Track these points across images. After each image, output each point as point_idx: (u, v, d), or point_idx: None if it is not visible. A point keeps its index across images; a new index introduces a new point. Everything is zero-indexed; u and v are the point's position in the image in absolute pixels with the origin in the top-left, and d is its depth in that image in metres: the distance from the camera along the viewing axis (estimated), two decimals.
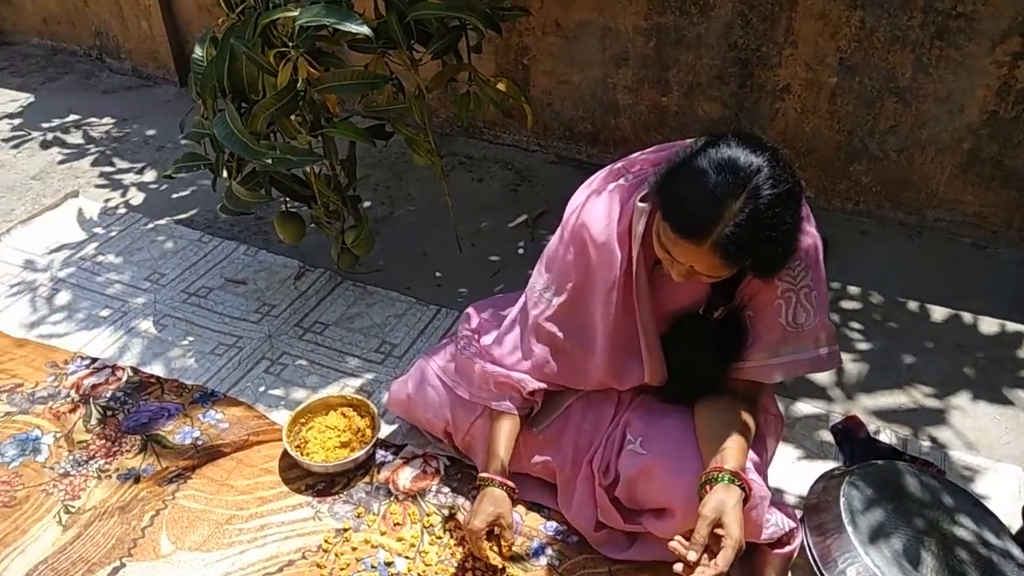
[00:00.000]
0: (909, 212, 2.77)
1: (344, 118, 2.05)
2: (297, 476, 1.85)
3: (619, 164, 1.58)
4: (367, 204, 2.86)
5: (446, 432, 1.84)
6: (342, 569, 1.64)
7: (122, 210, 2.84)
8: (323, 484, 1.83)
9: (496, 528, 1.59)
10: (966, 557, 1.58)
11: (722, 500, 1.35)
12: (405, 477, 1.85)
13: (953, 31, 2.40)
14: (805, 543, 1.61)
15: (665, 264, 1.41)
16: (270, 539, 1.71)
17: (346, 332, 2.26)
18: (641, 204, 1.45)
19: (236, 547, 1.69)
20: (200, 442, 1.93)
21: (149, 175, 3.08)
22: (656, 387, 1.66)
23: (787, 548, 1.59)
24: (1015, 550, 1.62)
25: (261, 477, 1.85)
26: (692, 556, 1.30)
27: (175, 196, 2.93)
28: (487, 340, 1.75)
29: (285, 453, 1.86)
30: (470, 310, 1.89)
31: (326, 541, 1.70)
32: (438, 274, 2.52)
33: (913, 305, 2.43)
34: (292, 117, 1.88)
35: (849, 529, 1.58)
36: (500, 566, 1.61)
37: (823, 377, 2.17)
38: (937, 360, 2.23)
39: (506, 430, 1.66)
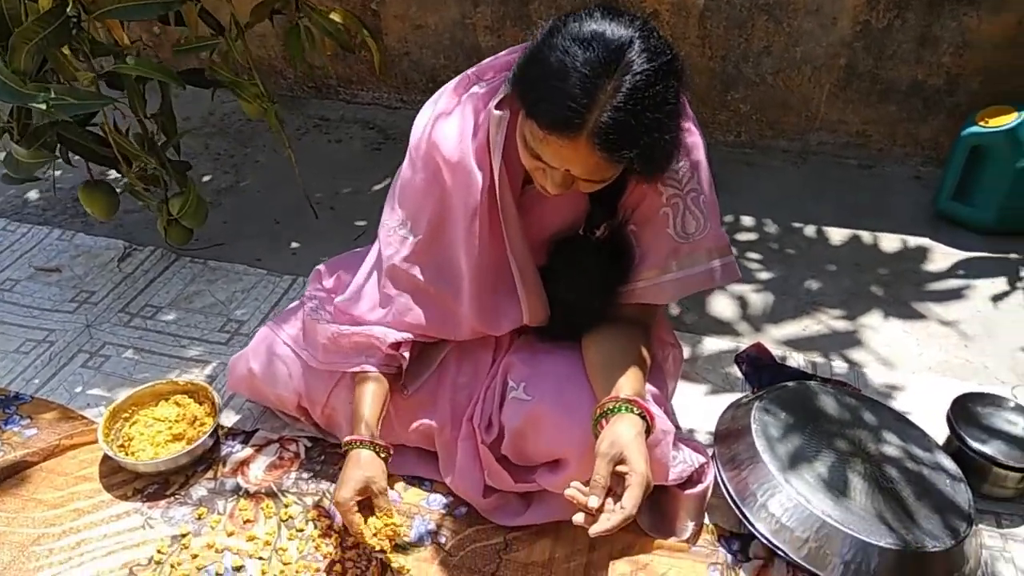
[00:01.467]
0: (792, 138, 2.65)
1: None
2: (123, 480, 1.52)
3: (469, 72, 1.34)
4: (207, 178, 2.52)
5: (300, 408, 1.55)
6: None
7: None
8: (155, 486, 1.51)
9: (371, 496, 1.31)
10: (896, 475, 1.42)
11: (620, 432, 1.13)
12: (257, 467, 1.55)
13: None
14: (719, 479, 1.42)
15: (536, 177, 1.18)
16: (88, 557, 1.38)
17: (183, 314, 1.93)
18: (497, 111, 1.21)
19: (46, 570, 1.36)
20: (0, 454, 1.57)
21: None
22: (537, 327, 1.43)
23: (699, 487, 1.38)
24: (946, 462, 1.47)
25: (77, 486, 1.51)
26: (593, 502, 1.07)
27: None
28: (342, 298, 1.48)
29: (107, 456, 1.53)
30: (321, 267, 1.62)
31: (159, 552, 1.39)
32: (294, 244, 2.22)
33: (809, 230, 2.31)
34: (67, 52, 1.55)
35: (765, 457, 1.39)
36: (379, 548, 1.29)
37: (726, 310, 2.00)
38: (840, 281, 2.10)
39: (370, 391, 1.39)
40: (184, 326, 1.90)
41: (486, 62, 1.33)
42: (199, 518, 1.45)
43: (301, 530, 1.43)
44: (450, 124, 1.29)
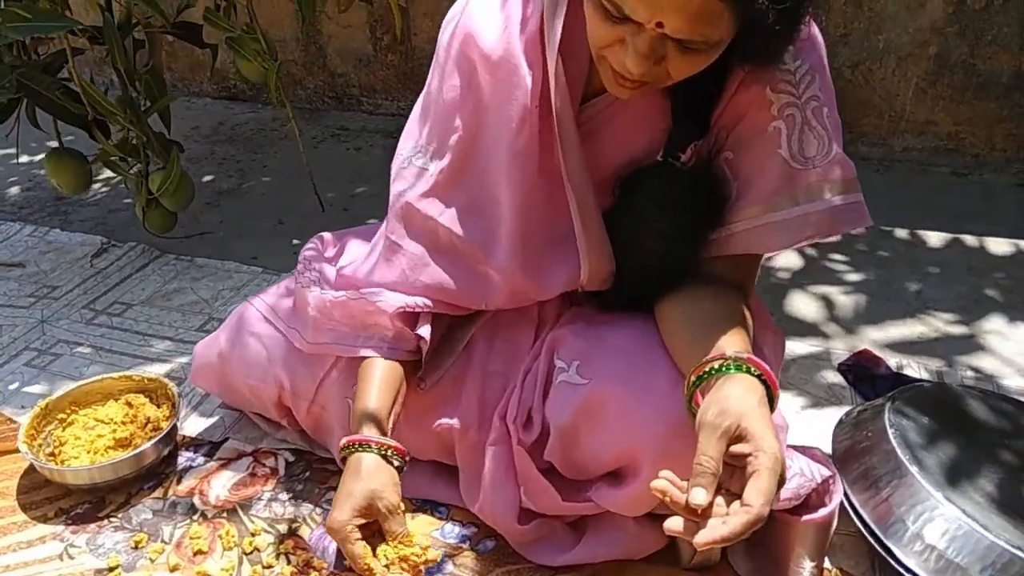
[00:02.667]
0: (873, 144, 2.31)
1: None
2: (47, 498, 1.17)
3: None
4: (208, 178, 2.24)
5: (281, 406, 1.20)
6: None
7: None
8: (87, 506, 1.15)
9: (377, 517, 0.95)
10: None
11: (734, 396, 0.75)
12: (220, 484, 1.19)
13: None
14: (846, 505, 1.03)
15: (611, 60, 0.82)
16: None
17: (157, 311, 1.61)
18: None
19: None
20: None
21: None
22: (596, 292, 1.06)
23: (823, 511, 0.98)
24: None
25: None
26: (699, 496, 0.69)
27: None
28: (343, 262, 1.16)
29: (33, 467, 1.18)
30: (324, 234, 1.27)
31: None
32: (295, 241, 1.91)
33: (902, 233, 1.94)
34: None
35: (914, 470, 1.00)
36: None
37: (810, 310, 1.64)
38: (950, 285, 1.73)
39: (377, 376, 1.03)
40: (156, 324, 1.57)
41: None
42: (136, 547, 1.08)
43: (270, 567, 1.05)
44: (490, 10, 0.97)
